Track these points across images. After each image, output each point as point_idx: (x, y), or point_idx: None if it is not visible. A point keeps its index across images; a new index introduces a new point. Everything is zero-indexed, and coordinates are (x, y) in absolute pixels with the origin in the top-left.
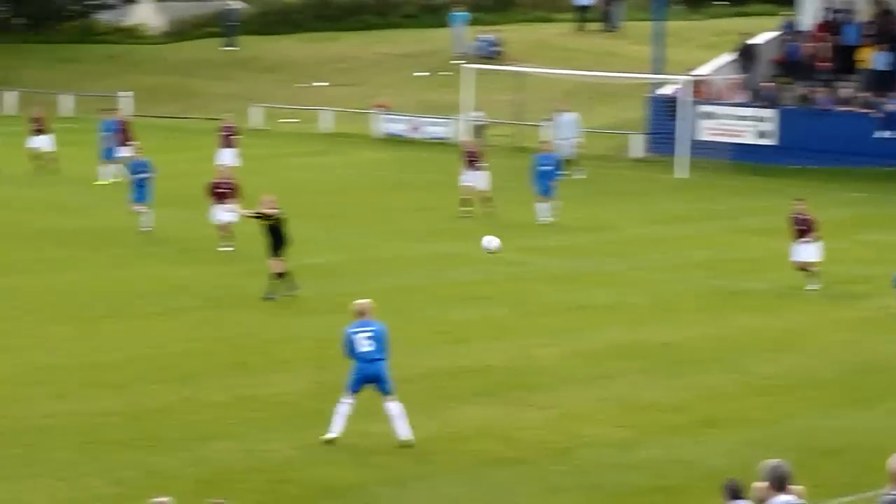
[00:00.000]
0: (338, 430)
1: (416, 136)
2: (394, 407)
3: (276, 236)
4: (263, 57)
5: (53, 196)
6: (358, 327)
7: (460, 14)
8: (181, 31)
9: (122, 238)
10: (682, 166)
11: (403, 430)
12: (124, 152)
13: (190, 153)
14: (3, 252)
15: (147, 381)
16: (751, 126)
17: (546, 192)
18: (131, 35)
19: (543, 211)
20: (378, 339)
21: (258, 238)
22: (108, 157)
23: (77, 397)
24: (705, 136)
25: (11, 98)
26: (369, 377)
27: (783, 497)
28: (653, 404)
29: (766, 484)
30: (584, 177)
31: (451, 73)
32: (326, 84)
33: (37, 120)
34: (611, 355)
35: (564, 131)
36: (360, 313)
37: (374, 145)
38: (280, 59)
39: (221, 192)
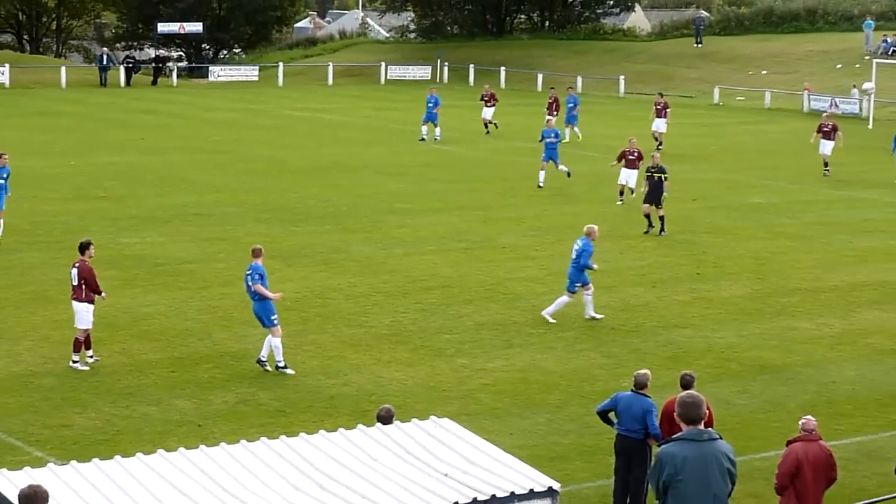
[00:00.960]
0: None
1: (834, 111)
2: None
3: (655, 187)
4: (722, 51)
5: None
6: (579, 240)
7: (869, 21)
8: (663, 32)
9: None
10: None
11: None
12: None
13: (672, 120)
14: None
15: (631, 284)
16: None
17: None
18: (627, 34)
19: None
20: (578, 251)
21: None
22: (570, 122)
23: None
24: None
25: (539, 79)
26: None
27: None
28: None
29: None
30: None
31: (861, 66)
32: (766, 72)
33: (491, 96)
34: None
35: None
36: (587, 233)
37: (802, 118)
38: (734, 53)
39: (631, 158)
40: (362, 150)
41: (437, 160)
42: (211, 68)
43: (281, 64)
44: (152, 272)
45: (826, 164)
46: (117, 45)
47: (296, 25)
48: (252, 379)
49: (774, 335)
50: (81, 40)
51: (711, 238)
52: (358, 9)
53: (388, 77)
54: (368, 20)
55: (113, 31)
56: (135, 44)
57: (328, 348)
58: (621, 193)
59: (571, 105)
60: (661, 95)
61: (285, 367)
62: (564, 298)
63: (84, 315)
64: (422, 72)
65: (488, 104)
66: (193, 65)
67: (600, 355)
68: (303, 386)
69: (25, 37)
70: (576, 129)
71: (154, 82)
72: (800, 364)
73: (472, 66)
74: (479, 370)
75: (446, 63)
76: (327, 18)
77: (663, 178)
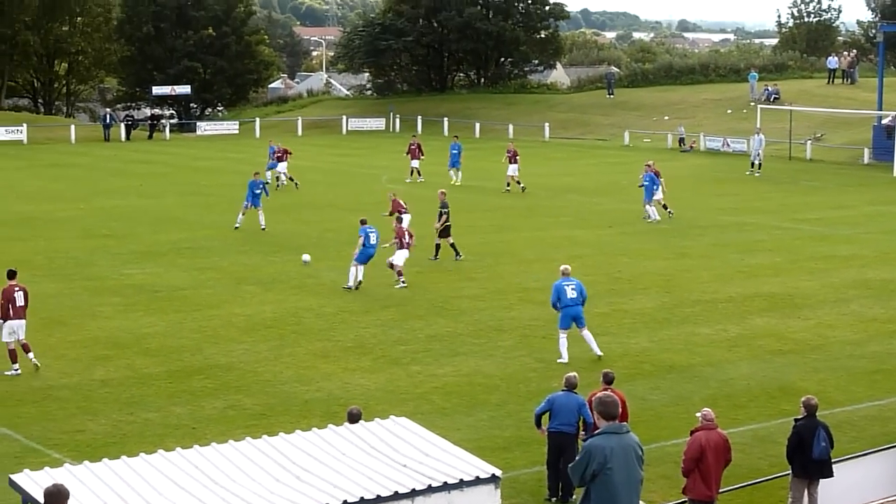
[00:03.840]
0: (565, 356)
1: (726, 149)
2: (587, 335)
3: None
4: (631, 101)
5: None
6: (565, 282)
7: (753, 73)
8: (581, 86)
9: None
10: None
11: (596, 348)
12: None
13: (587, 160)
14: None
15: None
16: None
17: None
18: (550, 88)
19: None
20: (578, 290)
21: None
22: (454, 165)
23: (517, 308)
24: None
25: (477, 127)
26: (574, 317)
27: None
28: (876, 318)
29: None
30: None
31: (747, 111)
32: (668, 118)
33: (514, 154)
34: (848, 286)
35: (756, 145)
36: (565, 273)
37: (700, 156)
38: (641, 102)
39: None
40: (328, 190)
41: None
42: (198, 124)
43: (258, 119)
44: (151, 298)
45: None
46: (118, 105)
47: (270, 86)
48: (238, 388)
49: (680, 340)
50: (88, 102)
51: (625, 259)
52: (322, 71)
53: (349, 128)
54: (331, 80)
55: (114, 93)
56: (133, 104)
57: (302, 360)
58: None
59: (456, 151)
60: (512, 143)
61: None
62: (588, 334)
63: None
64: (377, 123)
65: (512, 161)
66: (183, 121)
67: (534, 360)
68: (281, 392)
69: (40, 100)
70: (458, 172)
71: (150, 137)
72: (702, 364)
73: (419, 117)
74: (430, 375)
75: (398, 115)
76: (296, 79)
77: (447, 214)
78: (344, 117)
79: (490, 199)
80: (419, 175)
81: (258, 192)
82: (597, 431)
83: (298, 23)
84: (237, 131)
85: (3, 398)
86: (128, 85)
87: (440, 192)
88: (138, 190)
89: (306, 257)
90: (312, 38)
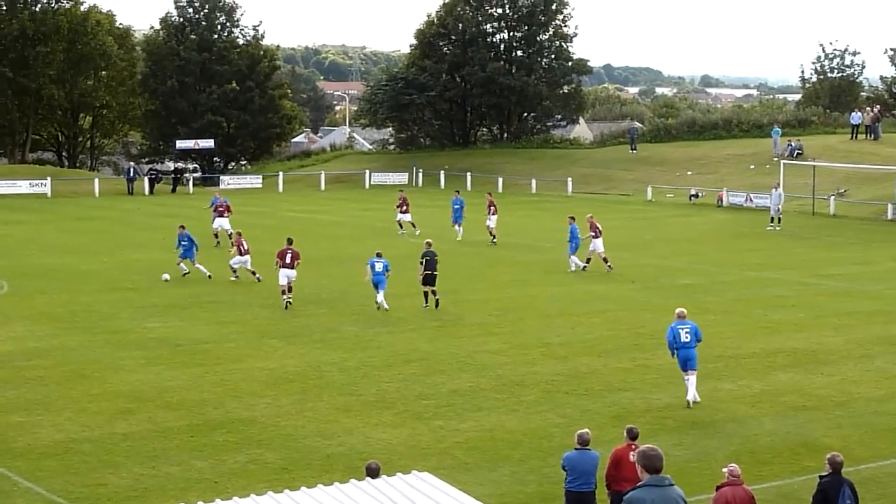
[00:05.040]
0: (693, 395)
1: (749, 205)
2: (692, 380)
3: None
4: (653, 156)
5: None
6: (679, 325)
7: (777, 129)
8: (603, 141)
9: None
10: None
11: (692, 395)
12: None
13: (610, 215)
14: (513, 273)
15: (581, 354)
16: None
17: None
18: (573, 143)
19: None
20: (692, 333)
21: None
22: (457, 220)
23: (539, 363)
24: None
25: (500, 182)
26: (685, 359)
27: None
28: None
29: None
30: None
31: (770, 166)
32: (691, 173)
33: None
34: (872, 342)
35: (775, 200)
36: (680, 316)
37: (723, 210)
38: (663, 157)
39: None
40: (350, 244)
41: (413, 252)
42: (222, 177)
43: (280, 173)
44: (174, 352)
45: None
46: (142, 159)
47: (293, 140)
48: (259, 441)
49: (703, 395)
50: (112, 156)
51: (648, 314)
52: (346, 125)
53: (372, 182)
54: (354, 135)
55: (138, 147)
56: (157, 158)
57: (324, 414)
58: (588, 261)
59: (458, 206)
60: (490, 195)
61: None
62: (692, 378)
63: None
64: (400, 177)
65: (491, 213)
66: (207, 175)
67: (556, 416)
68: (303, 447)
69: (64, 154)
70: (460, 227)
71: (173, 190)
72: (725, 420)
73: (442, 171)
74: (453, 430)
75: (421, 170)
76: (319, 134)
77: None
78: (367, 171)
79: (513, 253)
80: (414, 228)
81: (185, 243)
82: (638, 484)
83: (322, 77)
84: (260, 185)
85: (25, 451)
86: (152, 139)
87: (426, 241)
88: (161, 243)
89: (166, 276)
90: (336, 93)
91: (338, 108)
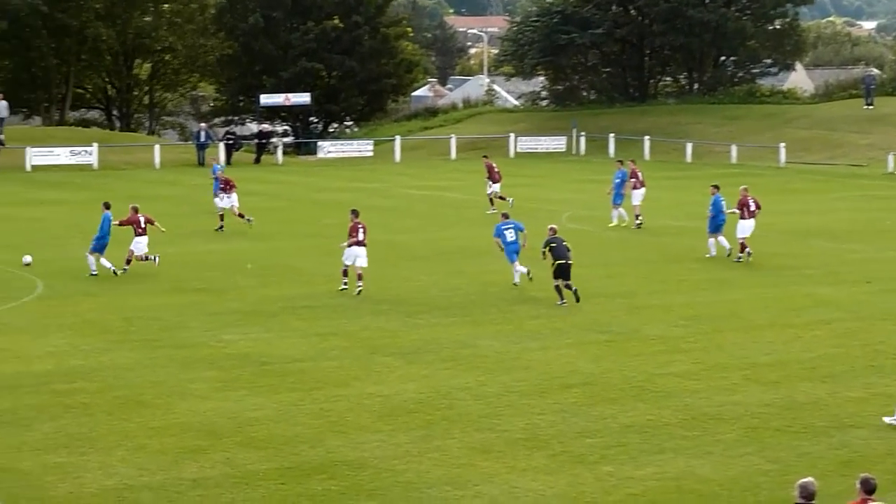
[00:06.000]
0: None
1: None
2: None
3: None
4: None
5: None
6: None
7: None
8: (828, 93)
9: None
10: None
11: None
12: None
13: (837, 193)
14: (674, 273)
15: (798, 378)
16: None
17: None
18: (787, 97)
19: None
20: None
21: None
22: (616, 202)
23: (742, 390)
24: None
25: (688, 149)
26: None
27: None
28: None
29: None
30: None
31: None
32: None
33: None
34: None
35: None
36: None
37: None
38: None
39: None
40: (489, 231)
41: (574, 242)
42: (320, 144)
43: (398, 137)
44: (258, 372)
45: None
46: (216, 119)
47: (414, 94)
48: (371, 491)
49: None
50: (176, 115)
51: (890, 326)
52: (483, 74)
53: (518, 149)
54: (495, 86)
55: (211, 104)
56: (235, 118)
57: (455, 455)
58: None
59: (619, 181)
60: (633, 162)
61: None
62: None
63: None
64: (555, 143)
65: (493, 179)
66: (300, 140)
67: (764, 460)
68: (428, 499)
69: (115, 113)
70: (622, 211)
71: (257, 160)
72: None
73: (611, 135)
74: (626, 478)
75: (582, 133)
76: (449, 86)
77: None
78: (511, 136)
79: (705, 244)
80: (503, 199)
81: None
82: None
83: (452, 11)
84: (371, 153)
85: (68, 502)
86: (228, 93)
87: (550, 227)
88: (244, 228)
89: (27, 258)
90: (470, 31)
91: (473, 51)
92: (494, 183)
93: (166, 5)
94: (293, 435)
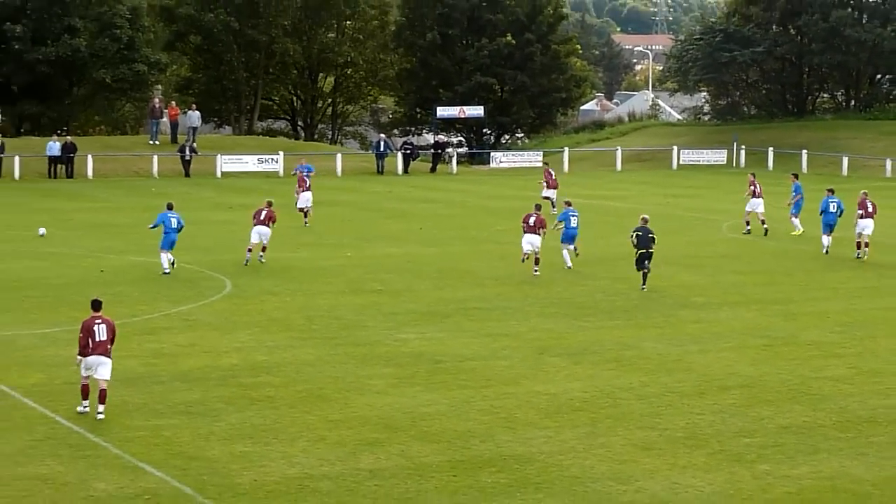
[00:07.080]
0: None
1: None
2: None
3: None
4: None
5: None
6: None
7: None
8: None
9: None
10: None
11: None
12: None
13: None
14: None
15: None
16: None
17: None
18: None
19: None
20: None
21: None
22: (796, 211)
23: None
24: None
25: (844, 162)
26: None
27: None
28: None
29: None
30: None
31: None
32: None
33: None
34: None
35: None
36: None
37: None
38: None
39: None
40: (659, 239)
41: (735, 251)
42: (492, 154)
43: (566, 149)
44: (432, 370)
45: None
46: (394, 130)
47: (582, 108)
48: (538, 484)
49: None
50: (357, 126)
51: None
52: (648, 89)
53: (681, 161)
54: (659, 101)
55: (390, 116)
56: (412, 129)
57: (619, 452)
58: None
59: (795, 193)
60: (752, 175)
61: None
62: None
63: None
64: (717, 156)
65: (755, 195)
66: (474, 150)
67: None
68: (592, 492)
69: (300, 123)
70: (796, 220)
71: (433, 169)
72: None
73: (770, 149)
74: (782, 477)
75: (743, 146)
76: (615, 100)
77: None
78: (674, 148)
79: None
80: (548, 199)
81: (172, 229)
82: None
83: (619, 29)
84: (540, 163)
85: (252, 489)
86: (407, 105)
87: (642, 217)
88: (418, 235)
89: (42, 230)
90: (636, 49)
91: (638, 67)
92: (549, 188)
93: (349, 22)
94: (465, 430)
